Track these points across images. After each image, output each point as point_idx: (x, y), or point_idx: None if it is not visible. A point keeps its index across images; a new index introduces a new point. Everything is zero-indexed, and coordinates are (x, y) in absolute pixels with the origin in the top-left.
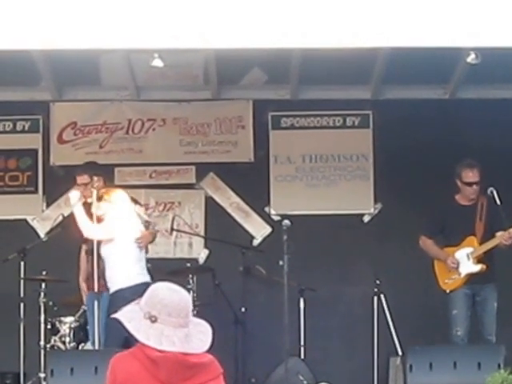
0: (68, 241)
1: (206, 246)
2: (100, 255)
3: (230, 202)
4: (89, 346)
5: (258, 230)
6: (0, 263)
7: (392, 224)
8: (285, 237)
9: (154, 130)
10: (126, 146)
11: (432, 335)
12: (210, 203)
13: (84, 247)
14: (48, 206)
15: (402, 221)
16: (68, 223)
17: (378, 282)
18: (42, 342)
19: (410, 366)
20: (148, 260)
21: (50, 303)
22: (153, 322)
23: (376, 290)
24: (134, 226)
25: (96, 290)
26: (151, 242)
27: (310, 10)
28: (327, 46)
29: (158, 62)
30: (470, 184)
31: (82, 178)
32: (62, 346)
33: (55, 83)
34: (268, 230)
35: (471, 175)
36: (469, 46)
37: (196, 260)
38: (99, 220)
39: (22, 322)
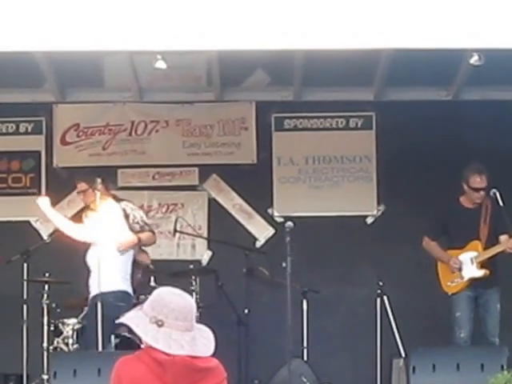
0: (71, 243)
1: (209, 248)
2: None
3: (233, 203)
4: None
5: (261, 231)
6: (3, 265)
7: (395, 226)
8: (288, 238)
9: (156, 131)
10: (129, 148)
11: (435, 337)
12: (213, 205)
13: None
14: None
15: (405, 222)
16: None
17: (380, 283)
18: (44, 344)
19: (413, 368)
20: (151, 261)
21: (53, 305)
22: (159, 326)
23: (379, 291)
24: (118, 235)
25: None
26: (149, 244)
27: (313, 12)
28: (330, 47)
29: (161, 64)
30: (477, 190)
31: (80, 186)
32: (64, 348)
33: (58, 85)
34: (271, 231)
35: (479, 181)
36: (472, 48)
37: (199, 261)
38: None
39: (25, 323)
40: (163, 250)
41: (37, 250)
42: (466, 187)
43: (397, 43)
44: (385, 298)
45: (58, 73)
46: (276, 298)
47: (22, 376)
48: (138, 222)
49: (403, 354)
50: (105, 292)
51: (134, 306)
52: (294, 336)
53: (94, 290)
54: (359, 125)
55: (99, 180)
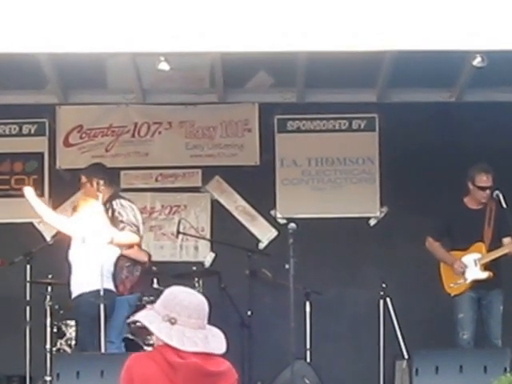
0: None
1: (211, 250)
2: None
3: (236, 205)
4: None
5: (264, 233)
6: (6, 266)
7: (398, 227)
8: (291, 240)
9: (160, 133)
10: (132, 150)
11: (438, 338)
12: (216, 206)
13: None
14: (54, 209)
15: (408, 224)
16: None
17: (384, 285)
18: (47, 346)
19: (416, 370)
20: (154, 263)
21: (56, 306)
22: (172, 324)
23: (382, 293)
24: (94, 233)
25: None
26: (125, 245)
27: (316, 14)
28: (333, 49)
29: (164, 66)
30: (483, 188)
31: (81, 179)
32: (67, 350)
33: (61, 86)
34: (274, 233)
35: (485, 179)
36: (475, 49)
37: (202, 263)
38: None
39: (28, 325)
40: (166, 251)
41: (40, 251)
42: (471, 186)
43: (400, 45)
44: (388, 299)
45: (61, 74)
46: (279, 299)
47: (24, 377)
48: (121, 221)
49: (406, 356)
50: (86, 292)
51: (138, 307)
52: (296, 338)
53: (75, 290)
54: (362, 126)
55: (102, 181)
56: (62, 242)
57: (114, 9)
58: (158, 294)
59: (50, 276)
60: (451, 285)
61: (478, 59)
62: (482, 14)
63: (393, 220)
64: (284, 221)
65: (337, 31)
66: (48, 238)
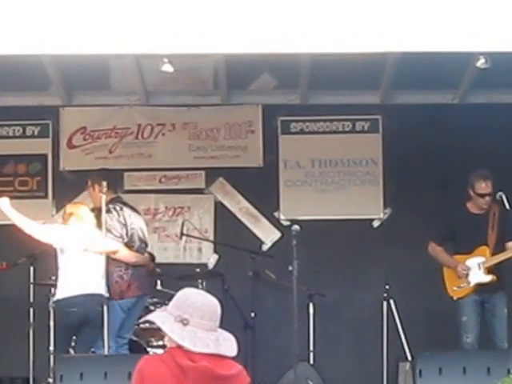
0: None
1: (215, 251)
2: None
3: (240, 206)
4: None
5: (268, 234)
6: (9, 268)
7: (401, 229)
8: (294, 242)
9: (163, 134)
10: (136, 151)
11: (442, 340)
12: (220, 208)
13: None
14: (57, 211)
15: (411, 226)
16: None
17: (387, 287)
18: (51, 347)
19: (420, 372)
20: (158, 265)
21: None
22: (184, 324)
23: (385, 295)
24: (74, 244)
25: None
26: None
27: (319, 15)
28: (336, 50)
29: (167, 67)
30: (482, 195)
31: (87, 182)
32: (71, 351)
33: (65, 88)
34: (277, 234)
35: (484, 186)
36: (478, 51)
37: (205, 265)
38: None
39: (32, 327)
40: (170, 253)
41: (43, 253)
42: (471, 193)
43: (403, 46)
44: (391, 301)
45: (64, 76)
46: (282, 301)
47: (28, 379)
48: (106, 227)
49: (410, 358)
50: (60, 298)
51: (130, 311)
52: (300, 339)
53: (59, 293)
54: (365, 128)
55: (105, 183)
56: None
57: (118, 10)
58: (161, 295)
59: (53, 278)
60: (454, 288)
61: (482, 61)
62: (485, 16)
63: (396, 221)
64: (287, 222)
65: (340, 33)
66: None
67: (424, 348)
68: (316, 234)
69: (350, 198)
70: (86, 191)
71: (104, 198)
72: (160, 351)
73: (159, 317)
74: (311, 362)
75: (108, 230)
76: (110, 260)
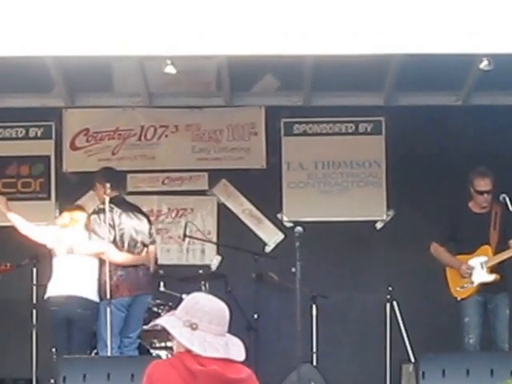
0: None
1: (218, 253)
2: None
3: (243, 208)
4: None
5: (271, 236)
6: (13, 269)
7: (405, 230)
8: (297, 243)
9: (166, 136)
10: (139, 153)
11: (445, 342)
12: (223, 210)
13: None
14: (60, 212)
15: (414, 227)
16: None
17: (390, 288)
18: (54, 349)
19: (423, 373)
20: (161, 266)
21: None
22: (193, 329)
23: (388, 296)
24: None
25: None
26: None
27: (322, 17)
28: (340, 52)
29: (170, 69)
30: (481, 192)
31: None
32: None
33: (68, 90)
34: (280, 236)
35: (483, 184)
36: (481, 53)
37: (208, 266)
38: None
39: (35, 328)
40: (172, 254)
41: (46, 254)
42: (472, 191)
43: (406, 48)
44: (394, 303)
45: (67, 77)
46: (285, 303)
47: (31, 380)
48: (95, 232)
49: (413, 360)
50: (45, 298)
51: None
52: (303, 341)
53: (47, 292)
54: (369, 130)
55: (108, 185)
56: None
57: (121, 12)
58: (164, 297)
59: None
60: (458, 288)
61: (485, 62)
62: (488, 18)
63: (399, 223)
64: (290, 224)
65: (343, 35)
66: None
67: (427, 350)
68: (319, 236)
69: (353, 200)
70: (90, 191)
71: (107, 200)
72: (163, 352)
73: (168, 321)
74: (314, 363)
75: (93, 231)
76: (102, 261)
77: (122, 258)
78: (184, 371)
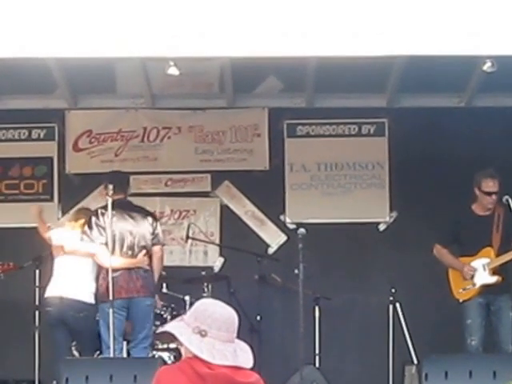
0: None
1: (221, 254)
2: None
3: (246, 210)
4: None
5: (274, 238)
6: (16, 270)
7: (408, 232)
8: (300, 245)
9: (169, 138)
10: (142, 154)
11: (448, 344)
12: (226, 211)
13: None
14: (63, 213)
15: (417, 229)
16: None
17: (393, 290)
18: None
19: (426, 375)
20: (163, 268)
21: None
22: (202, 336)
23: (391, 298)
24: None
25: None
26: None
27: (326, 19)
28: (343, 54)
29: (173, 70)
30: (489, 194)
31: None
32: (77, 354)
33: (70, 91)
34: (283, 238)
35: (491, 185)
36: (485, 54)
37: (211, 268)
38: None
39: (37, 329)
40: (175, 256)
41: (49, 256)
42: (477, 192)
43: (410, 50)
44: (397, 304)
45: (70, 79)
46: (288, 304)
47: (34, 382)
48: (85, 233)
49: (415, 361)
50: (45, 297)
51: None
52: (306, 343)
53: (46, 293)
54: (372, 131)
55: (111, 186)
56: None
57: (124, 13)
58: (167, 298)
59: None
60: (460, 290)
61: (488, 64)
62: (492, 19)
63: (402, 225)
64: (293, 226)
65: (346, 36)
66: None
67: (430, 351)
68: (322, 238)
69: (355, 202)
70: (93, 193)
71: (110, 201)
72: (165, 354)
73: (177, 327)
74: (317, 365)
75: (84, 233)
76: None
77: (113, 260)
78: (193, 375)
